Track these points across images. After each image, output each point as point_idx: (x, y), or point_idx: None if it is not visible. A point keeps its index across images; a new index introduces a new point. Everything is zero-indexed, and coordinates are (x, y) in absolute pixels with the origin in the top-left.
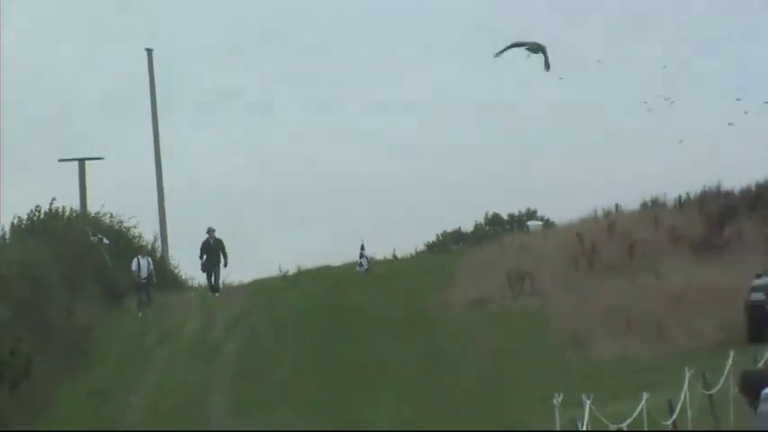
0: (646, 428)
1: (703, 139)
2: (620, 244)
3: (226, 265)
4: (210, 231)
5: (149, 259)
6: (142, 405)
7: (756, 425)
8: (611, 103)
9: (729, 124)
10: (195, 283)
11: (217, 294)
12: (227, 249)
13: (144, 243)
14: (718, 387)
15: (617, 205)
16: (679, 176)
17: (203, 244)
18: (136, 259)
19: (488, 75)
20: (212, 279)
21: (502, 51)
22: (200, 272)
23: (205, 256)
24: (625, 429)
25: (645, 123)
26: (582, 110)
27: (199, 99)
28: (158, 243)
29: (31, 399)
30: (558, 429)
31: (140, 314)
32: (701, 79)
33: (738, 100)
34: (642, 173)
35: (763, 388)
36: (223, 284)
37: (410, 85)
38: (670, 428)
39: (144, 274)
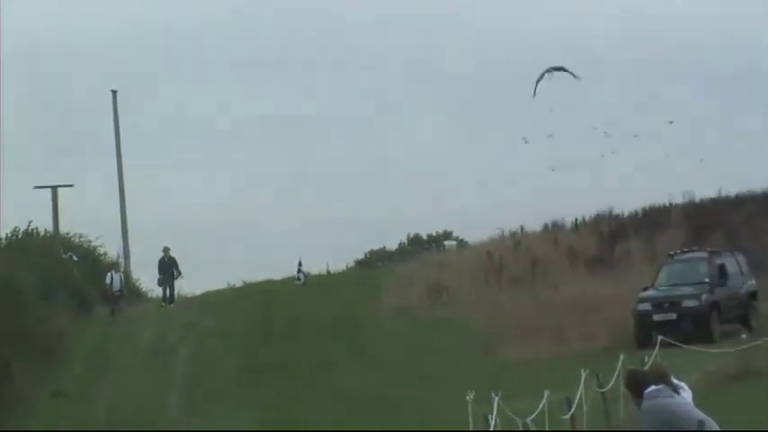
0: (547, 421)
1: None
2: (524, 260)
3: (178, 277)
4: (166, 250)
5: (121, 275)
6: (105, 402)
7: (641, 419)
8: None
9: (602, 156)
10: (153, 295)
11: (172, 305)
12: (180, 266)
13: (113, 260)
14: (609, 386)
15: (521, 227)
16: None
17: (160, 261)
18: (109, 274)
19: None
20: (167, 291)
21: (536, 89)
22: (158, 285)
23: (162, 272)
24: (529, 422)
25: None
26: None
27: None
28: (121, 260)
29: (8, 398)
30: (470, 422)
31: (114, 319)
32: (575, 116)
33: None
34: (536, 199)
35: (647, 386)
36: (177, 295)
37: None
38: (568, 422)
39: (117, 287)
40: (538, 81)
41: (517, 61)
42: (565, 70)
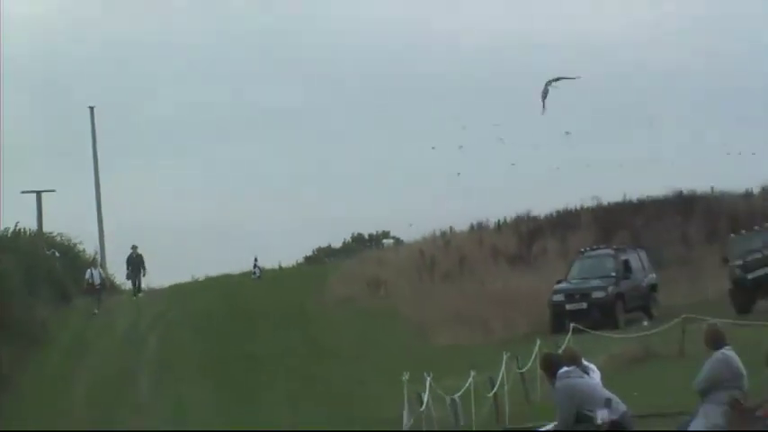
0: (473, 398)
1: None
2: (453, 257)
3: (144, 274)
4: (134, 248)
5: (100, 270)
6: (83, 380)
7: (556, 398)
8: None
9: (512, 164)
10: (126, 288)
11: (140, 295)
12: (146, 262)
13: (91, 258)
14: (527, 367)
15: (451, 227)
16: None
17: (128, 257)
18: (89, 270)
19: None
20: (136, 284)
21: (544, 103)
22: (126, 279)
23: (129, 267)
24: (456, 399)
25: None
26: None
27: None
28: (98, 256)
29: None
30: (405, 399)
31: (95, 311)
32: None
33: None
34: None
35: (561, 368)
36: (146, 287)
37: None
38: (491, 399)
39: (97, 281)
40: (544, 98)
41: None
42: (564, 78)
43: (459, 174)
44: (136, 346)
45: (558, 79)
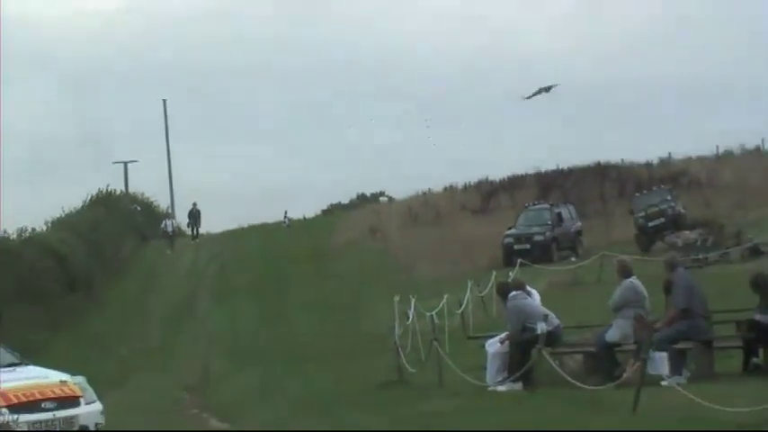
0: (445, 314)
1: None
2: (431, 211)
3: (200, 224)
4: (194, 204)
5: (173, 221)
6: (158, 299)
7: (507, 314)
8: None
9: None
10: (188, 234)
11: (197, 240)
12: (202, 215)
13: (165, 212)
14: (486, 291)
15: (429, 189)
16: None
17: (189, 211)
18: (164, 221)
19: None
20: (194, 232)
21: (531, 96)
22: (187, 227)
23: (190, 219)
24: (434, 315)
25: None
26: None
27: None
28: (169, 210)
29: (95, 301)
30: (396, 315)
31: (168, 252)
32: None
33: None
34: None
35: (510, 292)
36: (204, 233)
37: None
38: (459, 315)
39: (170, 229)
40: (531, 96)
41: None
42: (553, 86)
43: (434, 145)
44: (196, 274)
45: (549, 88)
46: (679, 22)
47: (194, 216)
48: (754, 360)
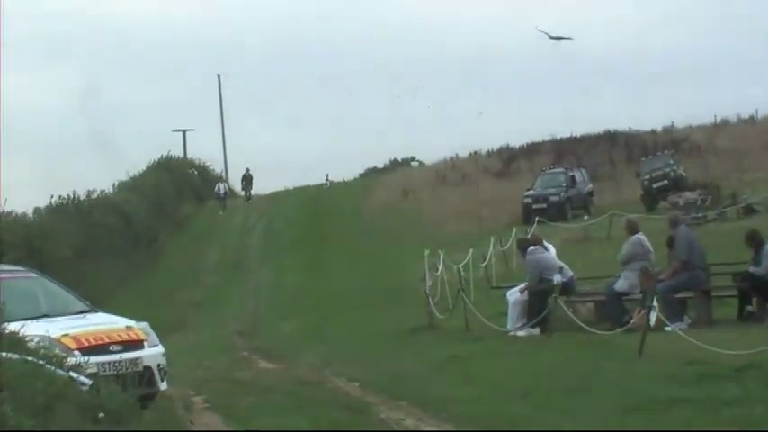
0: (471, 267)
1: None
2: (459, 174)
3: (252, 187)
4: (247, 169)
5: (226, 185)
6: (212, 254)
7: (526, 266)
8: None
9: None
10: (239, 195)
11: (250, 201)
12: (254, 179)
13: (219, 176)
14: (507, 246)
15: (456, 154)
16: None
17: (243, 175)
18: (218, 184)
19: None
20: (247, 193)
21: (545, 32)
22: (241, 189)
23: (243, 182)
24: (460, 267)
25: None
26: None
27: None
28: (223, 174)
29: (156, 255)
30: (426, 266)
31: (220, 212)
32: None
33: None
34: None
35: (529, 246)
36: (254, 194)
37: None
38: (483, 267)
39: (222, 192)
40: (547, 35)
41: None
42: (562, 38)
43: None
44: (247, 231)
45: (559, 38)
46: None
47: (247, 180)
48: (748, 308)
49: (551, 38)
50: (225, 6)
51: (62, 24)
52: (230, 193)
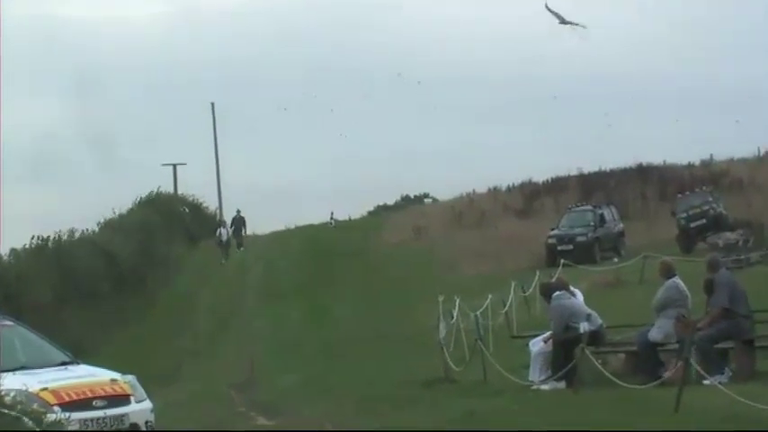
0: (489, 314)
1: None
2: (475, 212)
3: (245, 232)
4: (238, 211)
5: (228, 229)
6: (206, 299)
7: (550, 314)
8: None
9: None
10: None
11: (242, 249)
12: (251, 219)
13: (220, 219)
14: (530, 291)
15: (473, 190)
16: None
17: (233, 218)
18: (219, 229)
19: None
20: (238, 239)
21: (553, 12)
22: (231, 235)
23: (233, 227)
24: (478, 315)
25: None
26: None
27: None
28: (224, 218)
29: (144, 301)
30: (440, 313)
31: (223, 261)
32: None
33: None
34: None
35: (554, 292)
36: (252, 233)
37: None
38: (503, 314)
39: (224, 238)
40: (559, 18)
41: None
42: (572, 23)
43: None
44: (245, 273)
45: (572, 23)
46: (719, 22)
47: (238, 223)
48: None
49: (562, 22)
50: (217, 32)
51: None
52: (232, 238)
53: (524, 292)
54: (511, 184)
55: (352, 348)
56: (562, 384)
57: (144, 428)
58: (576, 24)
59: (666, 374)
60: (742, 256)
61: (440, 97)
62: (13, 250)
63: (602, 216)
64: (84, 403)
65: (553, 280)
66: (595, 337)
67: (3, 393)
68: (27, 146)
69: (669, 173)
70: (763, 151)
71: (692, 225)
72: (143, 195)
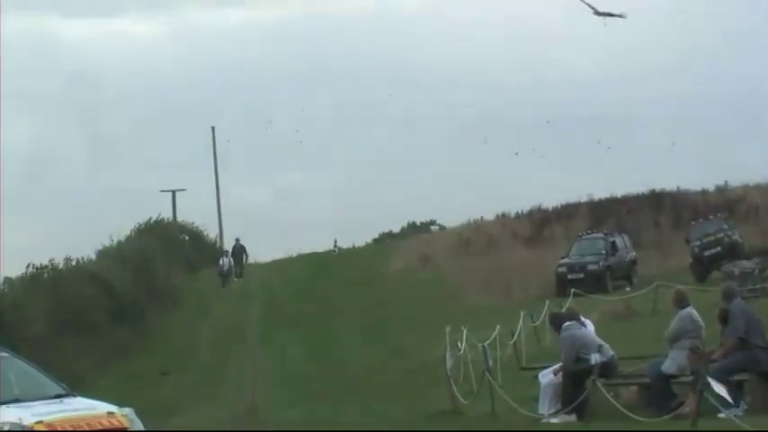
0: (498, 345)
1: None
2: (483, 239)
3: (246, 260)
4: (237, 240)
5: (230, 259)
6: (207, 331)
7: (561, 344)
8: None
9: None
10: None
11: (241, 279)
12: (252, 247)
13: (221, 248)
14: (539, 321)
15: (481, 217)
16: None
17: (233, 248)
18: (221, 258)
19: None
20: (238, 269)
21: (589, 4)
22: (231, 265)
23: (233, 256)
24: (486, 346)
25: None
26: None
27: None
28: (217, 240)
29: (143, 332)
30: (447, 345)
31: (222, 288)
32: None
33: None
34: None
35: (564, 322)
36: (253, 262)
37: None
38: (512, 346)
39: (226, 267)
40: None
41: None
42: (610, 14)
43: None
44: (247, 304)
45: (608, 14)
46: (729, 43)
47: (238, 252)
48: None
49: (597, 13)
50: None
51: None
52: (232, 269)
53: (533, 323)
54: (520, 211)
55: (356, 380)
56: (573, 417)
57: None
58: (614, 15)
59: (687, 410)
60: (758, 286)
61: (445, 124)
62: (7, 279)
63: (613, 244)
64: None
65: (563, 310)
66: (607, 369)
67: None
68: (21, 171)
69: (682, 199)
70: None
71: (707, 253)
72: (141, 222)
